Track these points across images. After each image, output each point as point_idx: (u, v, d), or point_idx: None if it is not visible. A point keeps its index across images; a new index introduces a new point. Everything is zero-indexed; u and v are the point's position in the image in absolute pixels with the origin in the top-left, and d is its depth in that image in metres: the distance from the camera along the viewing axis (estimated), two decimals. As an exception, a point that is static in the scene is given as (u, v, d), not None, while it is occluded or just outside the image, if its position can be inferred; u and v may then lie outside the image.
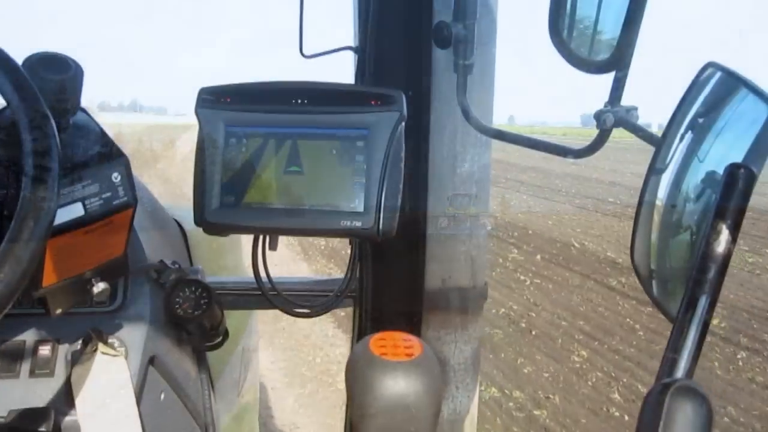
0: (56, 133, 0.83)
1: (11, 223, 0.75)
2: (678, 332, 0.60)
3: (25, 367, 1.15)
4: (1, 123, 0.84)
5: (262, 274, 1.37)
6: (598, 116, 1.07)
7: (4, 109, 0.83)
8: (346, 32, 1.52)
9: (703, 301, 0.61)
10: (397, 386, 0.64)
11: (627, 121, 1.06)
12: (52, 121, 0.83)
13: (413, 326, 1.59)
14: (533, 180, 20.68)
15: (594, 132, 1.13)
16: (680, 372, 0.58)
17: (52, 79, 0.93)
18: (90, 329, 1.15)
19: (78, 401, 1.10)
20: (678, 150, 0.88)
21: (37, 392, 1.13)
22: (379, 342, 0.67)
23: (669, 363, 0.59)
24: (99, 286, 1.08)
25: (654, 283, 0.92)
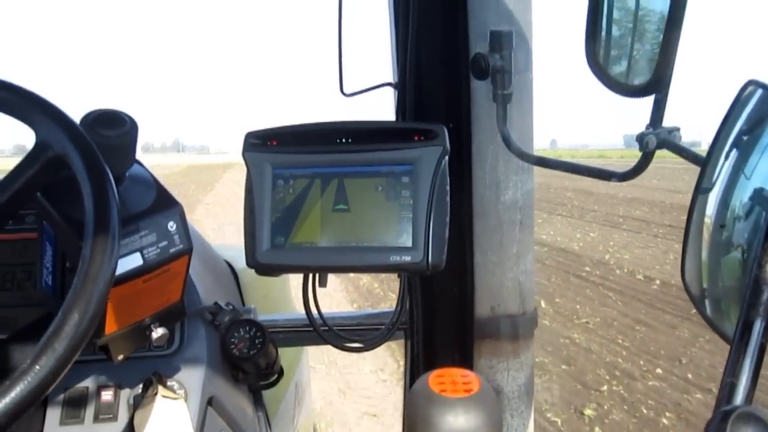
0: (114, 188, 0.85)
1: (75, 277, 0.78)
2: (735, 357, 0.60)
3: (89, 412, 1.18)
4: (53, 165, 0.87)
5: (313, 310, 1.38)
6: (641, 139, 1.08)
7: (64, 164, 0.86)
8: (386, 69, 1.54)
9: (758, 325, 0.60)
10: (458, 422, 0.65)
11: (670, 142, 1.06)
12: (111, 176, 0.86)
13: (465, 356, 1.59)
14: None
15: (635, 153, 1.13)
16: (739, 397, 0.58)
17: (109, 135, 0.96)
18: (151, 374, 1.17)
19: None
20: (724, 168, 0.87)
21: None
22: (438, 379, 0.68)
23: (728, 388, 0.59)
24: (158, 332, 1.10)
25: (707, 302, 0.92)
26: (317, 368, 6.00)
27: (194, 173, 39.92)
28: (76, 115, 0.92)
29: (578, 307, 8.40)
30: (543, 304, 8.19)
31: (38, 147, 0.87)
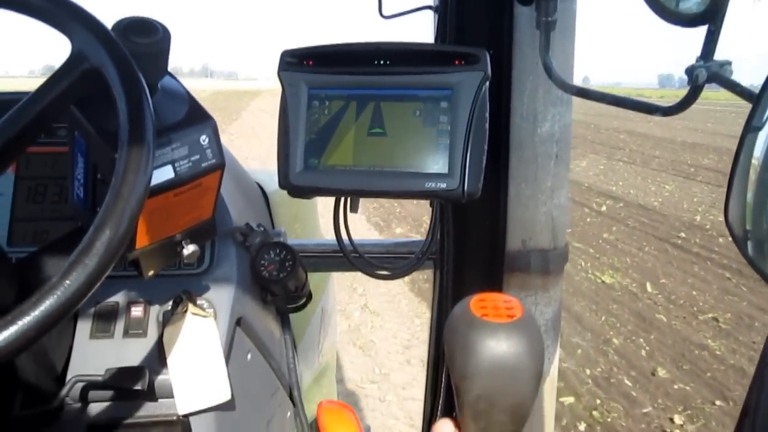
0: (149, 97, 0.84)
1: (108, 192, 0.77)
2: None
3: (119, 327, 1.19)
4: (88, 77, 0.85)
5: (344, 236, 1.37)
6: (690, 71, 1.03)
7: (99, 76, 0.85)
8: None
9: None
10: (500, 348, 0.64)
11: (721, 75, 1.02)
12: (147, 91, 0.84)
13: (494, 288, 1.58)
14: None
15: (671, 93, 1.09)
16: None
17: (142, 43, 0.94)
18: (181, 291, 1.18)
19: (170, 360, 1.14)
20: (777, 106, 0.84)
21: (131, 352, 1.17)
22: (480, 303, 0.66)
23: None
24: (189, 248, 1.10)
25: (749, 243, 0.89)
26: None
27: (220, 100, 38.78)
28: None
29: (695, 293, 6.68)
30: (649, 287, 6.84)
31: (74, 57, 0.86)
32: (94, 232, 0.74)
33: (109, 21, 0.93)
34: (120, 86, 0.82)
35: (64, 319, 0.71)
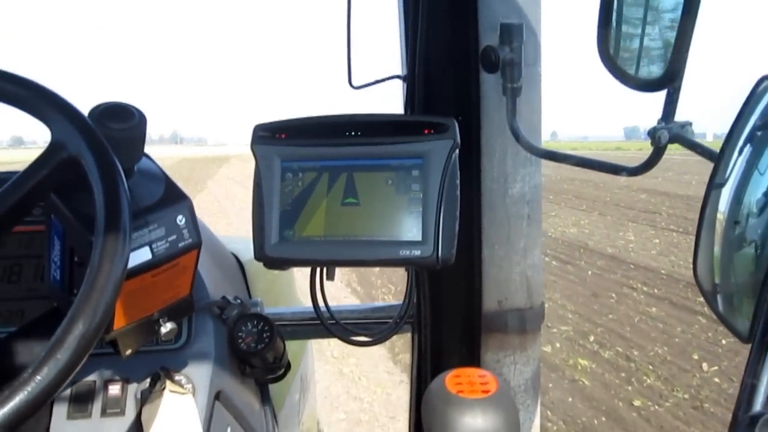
0: (125, 182, 0.85)
1: (87, 271, 0.77)
2: (755, 358, 0.60)
3: (97, 406, 1.17)
4: (66, 165, 0.86)
5: (321, 303, 1.38)
6: (653, 133, 1.07)
7: (77, 165, 0.85)
8: (395, 61, 1.54)
9: None
10: (476, 423, 0.64)
11: (682, 136, 1.06)
12: (123, 177, 0.85)
13: (472, 349, 1.59)
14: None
15: (637, 145, 1.12)
16: (760, 399, 0.58)
17: (119, 129, 0.95)
18: (158, 368, 1.17)
19: None
20: (737, 164, 0.87)
21: (109, 431, 1.16)
22: (455, 379, 0.68)
23: (748, 390, 0.58)
24: (167, 326, 1.10)
25: (719, 297, 0.91)
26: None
27: (186, 168, 36.12)
28: (80, 106, 0.92)
29: None
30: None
31: (53, 146, 0.86)
32: (69, 323, 0.74)
33: (79, 102, 0.94)
34: (97, 174, 0.83)
35: (35, 413, 0.70)
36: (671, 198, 18.33)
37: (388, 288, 9.01)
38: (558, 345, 6.79)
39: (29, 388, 0.69)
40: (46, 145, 0.88)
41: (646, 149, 1.13)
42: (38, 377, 0.70)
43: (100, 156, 0.84)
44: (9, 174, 1.06)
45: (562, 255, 11.06)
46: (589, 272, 9.95)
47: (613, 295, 8.66)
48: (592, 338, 7.01)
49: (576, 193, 20.33)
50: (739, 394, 0.59)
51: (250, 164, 1.23)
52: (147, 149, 1.09)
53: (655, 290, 8.87)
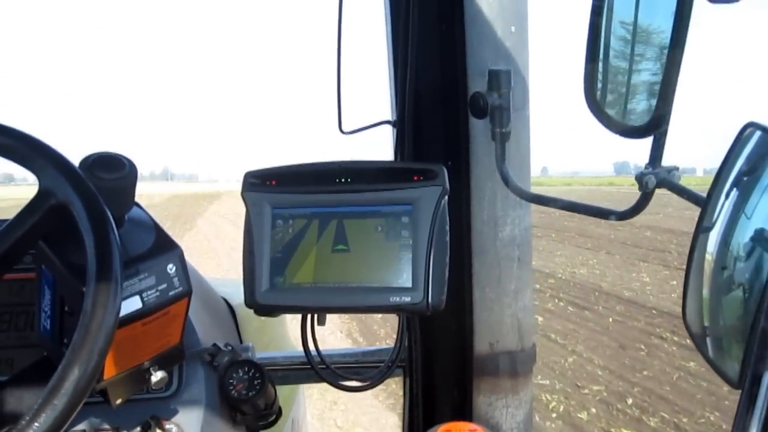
0: (116, 232, 0.85)
1: (79, 322, 0.77)
2: (744, 410, 0.60)
3: None
4: (55, 212, 0.86)
5: (312, 348, 1.37)
6: (640, 179, 1.08)
7: (66, 212, 0.86)
8: (384, 107, 1.55)
9: (767, 379, 0.60)
10: None
11: (669, 181, 1.07)
12: (114, 226, 0.85)
13: (464, 393, 1.58)
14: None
15: (630, 180, 1.13)
16: None
17: (109, 179, 0.96)
18: (148, 417, 1.16)
19: None
20: (724, 208, 0.88)
21: None
22: None
23: None
24: (157, 375, 1.09)
25: (708, 341, 0.92)
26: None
27: (175, 205, 35.85)
28: (71, 150, 0.92)
29: None
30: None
31: (41, 194, 0.87)
32: (62, 372, 0.74)
33: (68, 144, 0.95)
34: (87, 221, 0.83)
35: None
36: (677, 235, 17.90)
37: (392, 339, 8.87)
38: (594, 410, 6.30)
39: None
40: (36, 182, 0.88)
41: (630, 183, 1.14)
42: (36, 424, 0.70)
43: (90, 203, 0.85)
44: None
45: (577, 299, 10.77)
46: (610, 319, 9.52)
47: (643, 347, 8.16)
48: (630, 401, 6.47)
49: (579, 230, 19.99)
50: None
51: (241, 201, 1.24)
52: (137, 186, 1.09)
53: (687, 340, 7.93)
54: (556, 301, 10.60)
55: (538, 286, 11.19)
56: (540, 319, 9.17)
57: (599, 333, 8.84)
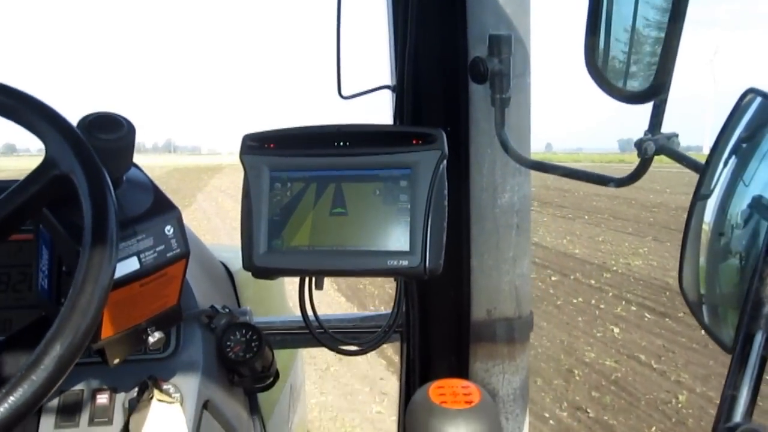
0: (113, 192, 0.85)
1: (74, 280, 0.77)
2: (735, 370, 0.60)
3: (84, 416, 1.18)
4: (58, 182, 0.87)
5: (309, 312, 1.38)
6: (639, 145, 1.08)
7: (68, 181, 0.86)
8: (384, 72, 1.54)
9: (759, 338, 0.61)
10: None
11: (668, 148, 1.06)
12: (109, 180, 0.86)
13: (461, 359, 1.59)
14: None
15: (631, 157, 1.13)
16: (740, 411, 0.58)
17: (107, 139, 0.95)
18: (146, 377, 1.17)
19: None
20: (722, 175, 0.87)
21: None
22: (438, 390, 0.68)
23: (728, 402, 0.59)
24: (155, 336, 1.10)
25: (704, 308, 0.92)
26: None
27: (175, 178, 34.55)
28: (70, 115, 0.92)
29: None
30: None
31: (46, 163, 0.87)
32: (58, 327, 0.74)
33: (72, 110, 0.94)
34: (86, 188, 0.83)
35: (29, 414, 0.71)
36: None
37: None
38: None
39: (24, 388, 0.70)
40: (40, 152, 0.88)
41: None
42: (33, 377, 0.71)
43: (91, 172, 0.85)
44: (2, 183, 1.07)
45: (649, 302, 8.72)
46: (702, 331, 7.52)
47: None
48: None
49: (612, 212, 18.54)
50: (720, 406, 0.60)
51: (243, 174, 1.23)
52: (139, 158, 1.09)
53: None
54: (624, 303, 8.69)
55: (593, 281, 10.02)
56: (615, 330, 7.52)
57: (699, 352, 6.76)
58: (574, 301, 8.95)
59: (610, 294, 9.23)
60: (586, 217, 17.71)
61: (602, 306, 8.68)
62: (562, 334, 7.50)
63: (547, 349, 6.94)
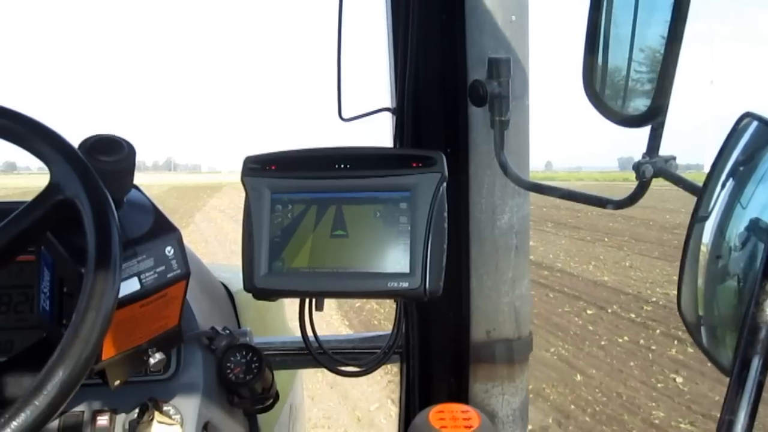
0: (116, 214, 0.86)
1: (77, 305, 0.78)
2: (733, 394, 0.60)
3: None
4: (62, 207, 0.87)
5: (310, 334, 1.38)
6: (637, 167, 1.09)
7: (72, 206, 0.86)
8: (384, 95, 1.56)
9: (756, 363, 0.61)
10: None
11: (666, 171, 1.07)
12: (113, 206, 0.86)
13: (460, 380, 1.59)
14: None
15: (629, 175, 1.14)
16: None
17: (108, 161, 0.96)
18: (147, 399, 1.17)
19: None
20: (720, 198, 0.88)
21: None
22: (438, 415, 0.69)
23: (726, 426, 0.59)
24: (155, 357, 1.10)
25: (702, 330, 0.92)
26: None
27: (173, 197, 34.83)
28: (70, 135, 0.93)
29: None
30: None
31: (51, 188, 0.88)
32: (62, 351, 0.74)
33: (73, 130, 0.95)
34: (90, 212, 0.84)
35: None
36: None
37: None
38: None
39: (28, 411, 0.71)
40: (40, 171, 0.89)
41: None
42: (36, 402, 0.71)
43: (96, 198, 0.86)
44: (6, 204, 1.07)
45: None
46: None
47: None
48: None
49: (632, 234, 18.05)
50: (717, 431, 0.60)
51: (244, 194, 1.24)
52: (140, 176, 1.09)
53: None
54: (677, 343, 7.88)
55: (633, 315, 9.26)
56: (678, 379, 6.75)
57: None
58: (620, 340, 8.21)
59: (658, 331, 8.50)
60: (606, 239, 17.18)
61: (653, 347, 7.85)
62: (618, 385, 6.72)
63: (605, 406, 6.14)
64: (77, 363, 0.74)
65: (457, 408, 0.69)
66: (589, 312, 9.56)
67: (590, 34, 1.12)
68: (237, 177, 1.25)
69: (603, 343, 8.10)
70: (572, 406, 6.16)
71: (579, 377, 6.91)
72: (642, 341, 8.10)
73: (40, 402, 0.71)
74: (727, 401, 0.60)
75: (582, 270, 12.77)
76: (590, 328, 8.78)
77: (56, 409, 0.72)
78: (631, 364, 7.33)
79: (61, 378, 0.72)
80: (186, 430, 1.19)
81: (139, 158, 1.03)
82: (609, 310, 9.64)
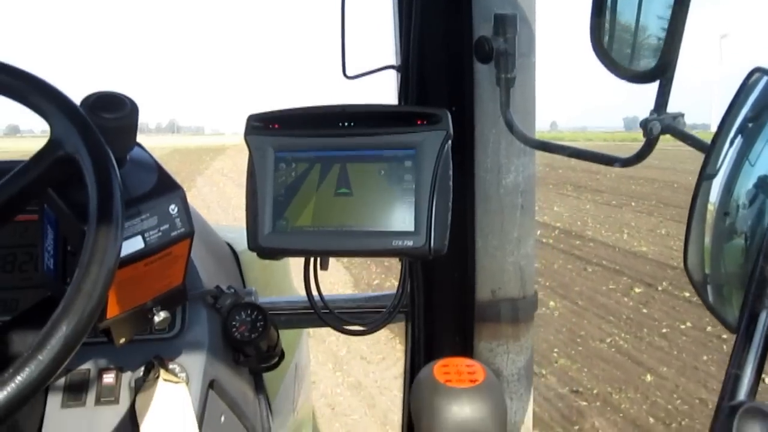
0: (117, 171, 0.85)
1: (79, 261, 0.78)
2: (740, 348, 0.60)
3: (91, 395, 1.18)
4: (63, 163, 0.87)
5: (315, 293, 1.38)
6: (645, 124, 1.07)
7: (73, 162, 0.86)
8: (389, 52, 1.54)
9: (764, 317, 0.61)
10: (463, 412, 0.65)
11: (674, 128, 1.06)
12: (114, 161, 0.86)
13: (465, 339, 1.60)
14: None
15: (637, 136, 1.13)
16: (743, 390, 0.58)
17: (111, 118, 0.96)
18: (152, 357, 1.18)
19: (143, 428, 1.13)
20: (728, 155, 0.87)
21: (103, 420, 1.16)
22: (443, 368, 0.68)
23: (732, 380, 0.59)
24: (160, 315, 1.10)
25: (709, 288, 0.92)
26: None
27: (176, 160, 32.93)
28: (73, 94, 0.92)
29: None
30: None
31: (51, 144, 0.87)
32: (66, 304, 0.75)
33: (75, 91, 0.94)
34: (91, 170, 0.84)
35: (38, 392, 0.71)
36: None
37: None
38: None
39: (32, 366, 0.71)
40: (43, 133, 0.88)
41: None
42: (40, 356, 0.71)
43: (97, 154, 0.85)
44: (7, 163, 1.07)
45: None
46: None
47: None
48: None
49: (659, 198, 16.76)
50: (723, 385, 0.60)
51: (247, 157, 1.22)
52: (143, 138, 1.09)
53: None
54: None
55: (687, 294, 7.78)
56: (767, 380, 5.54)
57: None
58: (682, 327, 7.05)
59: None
60: (633, 204, 16.09)
61: (724, 335, 6.46)
62: (698, 388, 5.60)
63: (690, 418, 5.07)
64: (80, 318, 0.74)
65: (461, 362, 0.69)
66: (637, 290, 8.51)
67: (599, -13, 1.10)
68: (240, 139, 1.24)
69: (664, 330, 7.02)
70: (651, 419, 5.10)
71: (649, 377, 5.83)
72: (709, 328, 6.84)
73: (44, 356, 0.71)
74: (734, 355, 0.60)
75: (616, 239, 11.77)
76: (644, 311, 7.72)
77: (60, 364, 0.73)
78: (705, 358, 6.26)
79: (65, 333, 0.73)
80: (192, 388, 1.19)
81: (141, 120, 1.03)
82: (659, 288, 8.54)
